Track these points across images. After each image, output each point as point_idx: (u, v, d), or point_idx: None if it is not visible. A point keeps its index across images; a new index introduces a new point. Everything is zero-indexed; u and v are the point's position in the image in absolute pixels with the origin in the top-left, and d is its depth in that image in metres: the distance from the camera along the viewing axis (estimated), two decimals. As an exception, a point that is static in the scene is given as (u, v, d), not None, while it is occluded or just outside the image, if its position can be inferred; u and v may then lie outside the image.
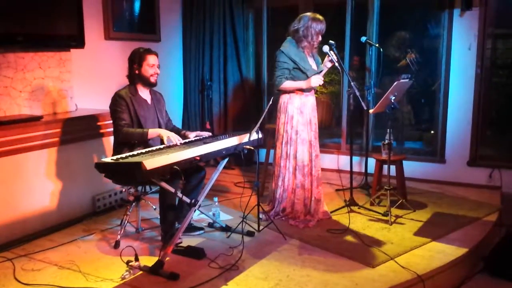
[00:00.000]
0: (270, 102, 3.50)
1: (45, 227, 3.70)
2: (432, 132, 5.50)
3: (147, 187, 4.01)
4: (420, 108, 5.75)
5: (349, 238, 3.55)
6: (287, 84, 3.78)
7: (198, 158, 3.03)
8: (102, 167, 2.91)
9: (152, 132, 3.35)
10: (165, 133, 3.33)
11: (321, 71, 3.95)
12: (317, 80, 3.74)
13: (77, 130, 3.95)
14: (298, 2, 5.61)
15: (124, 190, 3.98)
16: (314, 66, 3.88)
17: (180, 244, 3.34)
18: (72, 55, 4.26)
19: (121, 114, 3.39)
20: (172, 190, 3.08)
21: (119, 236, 3.44)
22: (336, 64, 3.81)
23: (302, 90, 3.84)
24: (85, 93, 4.48)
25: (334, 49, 3.90)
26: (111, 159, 2.89)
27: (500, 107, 5.07)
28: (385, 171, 4.26)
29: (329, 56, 3.82)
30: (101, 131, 4.15)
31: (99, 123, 4.13)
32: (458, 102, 4.94)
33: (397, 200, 4.12)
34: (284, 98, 3.89)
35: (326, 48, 3.78)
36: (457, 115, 4.96)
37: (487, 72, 4.88)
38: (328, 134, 5.90)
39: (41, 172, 3.68)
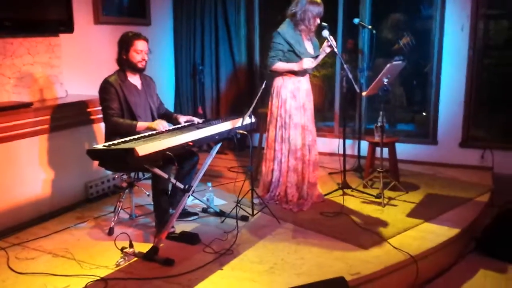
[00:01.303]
0: (263, 86, 3.49)
1: (38, 215, 3.67)
2: (424, 114, 5.51)
3: (140, 173, 4.01)
4: (412, 90, 5.74)
5: (342, 220, 3.57)
6: (280, 65, 3.75)
7: (191, 143, 3.02)
8: (94, 154, 2.89)
9: (141, 125, 3.28)
10: (152, 125, 3.26)
11: (317, 56, 3.91)
12: (308, 63, 3.71)
13: (68, 116, 3.90)
14: (289, -16, 5.53)
15: (117, 176, 3.97)
16: (310, 50, 3.84)
17: (175, 230, 3.34)
18: (61, 40, 4.19)
19: (110, 102, 3.34)
20: (165, 176, 3.07)
21: (113, 223, 3.43)
22: (335, 49, 3.77)
23: (295, 74, 3.81)
24: (75, 78, 4.42)
25: (328, 31, 3.86)
26: (103, 146, 2.87)
27: (492, 88, 5.07)
28: (377, 154, 4.27)
29: (328, 41, 3.77)
30: (93, 117, 4.11)
31: (90, 109, 4.09)
32: (450, 84, 4.94)
33: (389, 182, 4.14)
34: (277, 82, 3.86)
35: (325, 33, 3.73)
36: (449, 96, 4.97)
37: (480, 53, 4.88)
38: (320, 117, 5.89)
39: (33, 160, 3.65)
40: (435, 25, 4.96)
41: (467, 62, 4.84)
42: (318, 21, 3.77)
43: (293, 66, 3.75)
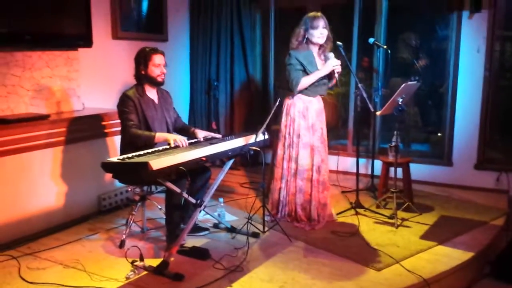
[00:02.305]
0: (277, 103, 3.49)
1: (51, 226, 3.71)
2: (439, 134, 5.48)
3: (153, 187, 4.02)
4: (427, 110, 5.72)
5: (354, 240, 3.53)
6: (305, 80, 3.73)
7: (204, 158, 3.03)
8: (109, 167, 2.92)
9: (159, 136, 3.32)
10: (171, 137, 3.28)
11: (333, 85, 3.92)
12: (332, 62, 3.67)
13: (84, 129, 3.96)
14: (305, 3, 5.59)
15: (129, 189, 3.99)
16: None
17: (185, 245, 3.34)
18: (79, 54, 4.27)
19: (129, 114, 3.38)
20: (178, 190, 3.08)
21: (124, 236, 3.44)
22: (336, 72, 3.72)
23: (306, 94, 3.80)
24: (92, 92, 4.49)
25: (342, 50, 3.88)
26: (118, 159, 2.90)
27: (508, 110, 5.02)
28: (391, 174, 4.24)
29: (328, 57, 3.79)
30: (108, 130, 4.16)
31: (106, 123, 4.13)
32: (465, 105, 4.91)
33: (403, 202, 4.10)
34: (288, 101, 3.87)
35: (331, 55, 3.75)
36: (465, 117, 4.93)
37: (495, 75, 4.85)
38: (334, 135, 5.88)
39: (47, 171, 3.69)
40: (451, 46, 4.95)
41: (482, 83, 4.81)
42: (320, 33, 3.72)
43: (319, 72, 3.72)
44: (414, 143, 5.76)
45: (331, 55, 3.76)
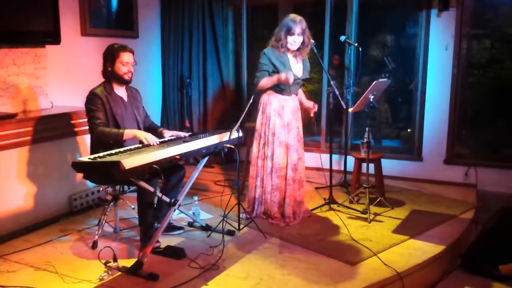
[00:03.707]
0: (251, 101, 3.48)
1: (20, 228, 3.60)
2: (409, 130, 5.58)
3: (125, 186, 3.95)
4: (398, 107, 5.82)
5: (329, 236, 3.56)
6: (264, 81, 3.75)
7: (178, 157, 3.00)
8: (79, 167, 2.85)
9: (128, 133, 3.25)
10: (141, 134, 3.22)
11: (305, 78, 3.93)
12: (287, 75, 3.61)
13: (53, 128, 3.86)
14: (277, 0, 5.60)
15: (101, 189, 3.91)
16: (297, 71, 3.81)
17: (160, 245, 3.30)
18: (47, 51, 4.16)
19: (96, 113, 3.30)
20: (151, 189, 3.04)
21: (96, 237, 3.37)
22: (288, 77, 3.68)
23: (280, 92, 3.80)
24: (61, 90, 4.39)
25: (315, 48, 3.89)
26: (88, 158, 2.83)
27: (475, 106, 5.16)
28: (363, 169, 4.30)
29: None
30: (78, 129, 4.06)
31: (75, 121, 4.04)
32: (435, 101, 5.01)
33: (375, 198, 4.16)
34: (263, 99, 3.87)
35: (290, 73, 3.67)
36: (434, 114, 5.03)
37: (463, 72, 4.96)
38: (307, 132, 5.90)
39: (14, 172, 3.58)
40: (420, 43, 5.04)
41: (451, 80, 4.92)
42: (292, 38, 3.70)
43: (275, 77, 3.71)
44: (385, 139, 5.86)
45: (290, 73, 3.66)
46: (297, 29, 3.68)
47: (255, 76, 3.80)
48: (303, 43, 3.77)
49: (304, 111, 4.03)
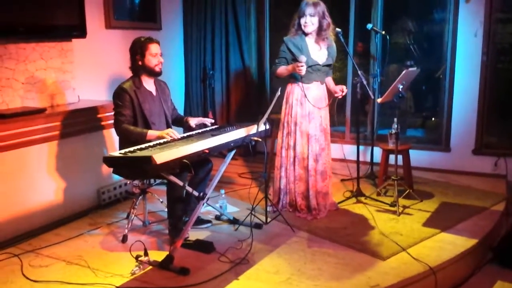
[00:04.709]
0: (278, 93, 3.43)
1: (51, 222, 3.65)
2: (433, 119, 5.48)
3: (152, 179, 3.97)
4: (422, 95, 5.71)
5: (357, 230, 3.52)
6: (280, 69, 3.73)
7: (207, 151, 2.99)
8: (111, 161, 2.86)
9: (151, 134, 3.21)
10: (163, 134, 3.18)
11: (329, 64, 3.83)
12: (298, 65, 3.53)
13: (80, 122, 3.88)
14: (301, -11, 5.50)
15: (128, 182, 3.94)
16: (317, 58, 3.71)
17: (188, 238, 3.30)
18: (73, 45, 4.17)
19: (123, 109, 3.30)
20: (181, 183, 3.04)
21: (126, 230, 3.40)
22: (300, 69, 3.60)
23: (302, 80, 3.74)
24: (87, 84, 4.41)
25: (341, 37, 3.82)
26: (119, 153, 2.84)
27: (506, 94, 5.01)
28: (391, 161, 4.23)
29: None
30: (104, 123, 4.08)
31: (102, 115, 4.05)
32: (463, 90, 4.90)
33: (403, 190, 4.10)
34: (287, 88, 3.83)
35: (302, 58, 3.57)
36: (462, 102, 4.92)
37: (493, 59, 4.83)
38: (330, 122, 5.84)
39: (45, 166, 3.62)
40: (448, 30, 4.92)
41: (480, 67, 4.80)
42: (304, 22, 3.62)
43: (290, 67, 3.66)
44: (409, 128, 5.75)
45: (303, 58, 3.57)
46: (308, 10, 3.61)
47: (274, 63, 3.78)
48: (320, 27, 3.67)
49: (330, 95, 3.92)
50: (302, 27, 3.68)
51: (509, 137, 5.02)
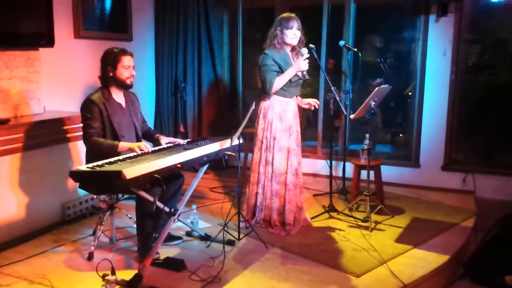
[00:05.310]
0: (253, 107, 3.39)
1: (12, 238, 3.46)
2: (401, 135, 5.55)
3: (120, 194, 3.84)
4: (390, 112, 5.78)
5: (331, 246, 3.49)
6: (278, 81, 3.66)
7: (179, 165, 2.90)
8: (77, 176, 2.74)
9: (123, 145, 3.12)
10: (134, 146, 3.09)
11: (306, 79, 3.87)
12: (304, 64, 3.63)
13: (45, 134, 3.72)
14: (274, 4, 5.53)
15: (95, 197, 3.79)
16: (299, 72, 3.75)
17: (158, 256, 3.19)
18: (40, 54, 4.03)
19: (92, 121, 3.18)
20: (151, 199, 2.93)
21: (92, 248, 3.25)
22: (305, 63, 3.68)
23: (283, 95, 3.73)
24: (54, 94, 4.26)
25: (314, 53, 3.83)
26: (87, 167, 2.72)
27: (473, 112, 5.13)
28: (362, 176, 4.24)
29: (302, 54, 3.71)
30: (70, 135, 3.92)
31: (68, 127, 3.90)
32: (432, 107, 4.98)
33: (375, 205, 4.10)
34: (264, 104, 3.78)
35: (304, 51, 3.69)
36: (431, 120, 5.00)
37: (461, 77, 4.94)
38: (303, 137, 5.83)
39: (6, 180, 3.44)
40: (418, 49, 5.01)
41: (449, 86, 4.89)
42: (294, 34, 3.67)
43: (290, 72, 3.65)
44: (378, 144, 5.80)
45: (305, 50, 3.68)
46: (296, 23, 3.67)
47: (265, 80, 3.68)
48: (300, 41, 3.74)
49: (303, 111, 3.92)
50: (289, 39, 3.68)
51: (476, 154, 5.13)
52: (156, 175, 2.70)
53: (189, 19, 5.50)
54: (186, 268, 3.08)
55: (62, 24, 4.34)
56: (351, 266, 3.14)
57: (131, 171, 2.57)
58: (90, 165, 2.78)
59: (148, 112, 5.67)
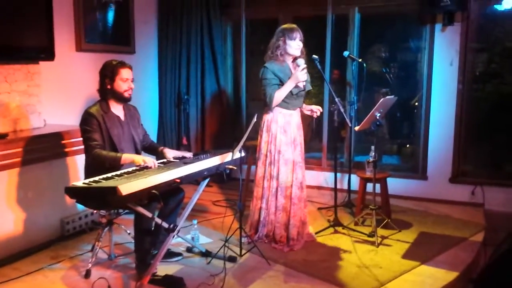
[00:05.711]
0: (255, 119, 3.32)
1: (9, 255, 3.39)
2: (407, 146, 5.44)
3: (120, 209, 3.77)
4: (397, 123, 5.68)
5: (336, 262, 3.38)
6: (278, 94, 3.58)
7: (178, 180, 2.83)
8: (73, 192, 2.68)
9: (126, 157, 3.06)
10: (139, 159, 3.04)
11: (309, 90, 3.81)
12: (302, 75, 3.56)
13: (46, 148, 3.67)
14: (277, 15, 5.48)
15: (95, 211, 3.73)
16: (300, 84, 3.66)
17: (157, 273, 3.10)
18: (41, 67, 3.99)
19: (92, 134, 3.13)
20: (149, 215, 2.86)
21: (90, 265, 3.18)
22: (303, 74, 3.61)
23: (286, 107, 3.66)
24: (56, 108, 4.22)
25: (318, 64, 3.76)
26: (83, 183, 2.66)
27: (481, 123, 5.01)
28: (368, 188, 4.14)
29: (299, 65, 3.64)
30: (69, 149, 3.85)
31: (67, 141, 3.83)
32: (439, 118, 4.88)
33: (382, 219, 3.99)
34: (267, 117, 3.70)
35: (301, 61, 3.61)
36: (439, 130, 4.90)
37: (469, 87, 4.84)
38: (305, 149, 5.75)
39: (4, 195, 3.39)
40: (424, 59, 4.93)
41: (456, 96, 4.80)
42: (296, 46, 3.60)
43: (288, 84, 3.58)
44: (384, 155, 5.70)
45: (301, 61, 3.61)
46: (299, 34, 3.62)
47: (265, 94, 3.61)
48: (301, 52, 3.68)
49: (305, 118, 3.88)
50: (293, 50, 3.62)
51: (485, 166, 5.01)
52: (153, 191, 2.63)
53: (192, 31, 5.46)
54: (185, 286, 2.99)
55: (64, 37, 4.31)
56: (358, 284, 3.03)
57: (127, 187, 2.51)
58: (87, 180, 2.72)
59: (151, 124, 5.63)
